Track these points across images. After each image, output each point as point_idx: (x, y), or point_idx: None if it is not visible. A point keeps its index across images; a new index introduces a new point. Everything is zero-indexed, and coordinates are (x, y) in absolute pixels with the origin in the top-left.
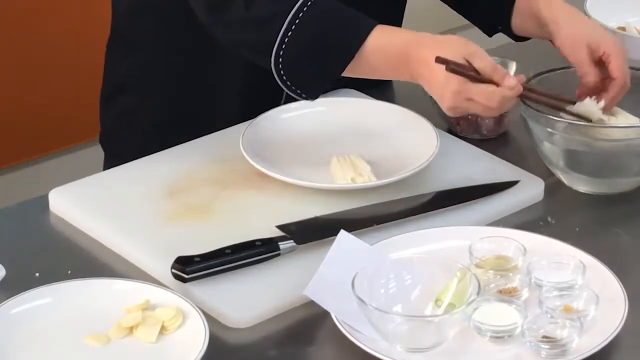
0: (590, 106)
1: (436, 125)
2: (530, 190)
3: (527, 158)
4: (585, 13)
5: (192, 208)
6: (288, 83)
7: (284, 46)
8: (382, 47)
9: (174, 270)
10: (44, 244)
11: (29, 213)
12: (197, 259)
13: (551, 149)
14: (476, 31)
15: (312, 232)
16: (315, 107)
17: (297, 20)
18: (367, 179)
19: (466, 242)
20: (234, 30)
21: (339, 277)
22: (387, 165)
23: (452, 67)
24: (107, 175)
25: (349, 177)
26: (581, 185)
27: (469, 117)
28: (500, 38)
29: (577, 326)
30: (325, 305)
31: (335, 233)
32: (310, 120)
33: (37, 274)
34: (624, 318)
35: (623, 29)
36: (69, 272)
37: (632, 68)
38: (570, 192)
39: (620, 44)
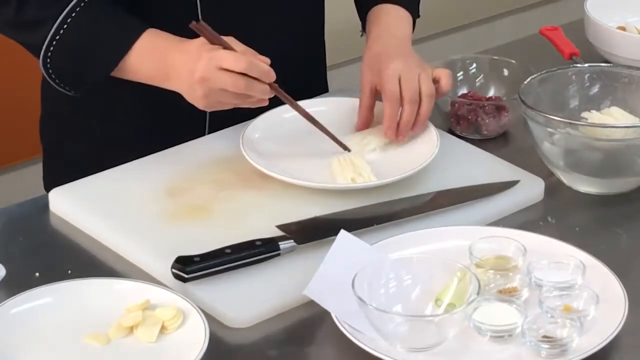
0: (362, 137)
1: (436, 125)
2: (530, 190)
3: (527, 158)
4: (586, 13)
5: (192, 208)
6: (57, 81)
7: (52, 48)
8: (142, 64)
9: (174, 270)
10: (44, 244)
11: (29, 213)
12: (197, 259)
13: (551, 149)
14: (475, 31)
15: (312, 232)
16: (315, 107)
17: (65, 26)
18: (367, 179)
19: (466, 242)
20: (7, 32)
21: (339, 277)
22: (387, 165)
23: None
24: (107, 175)
25: (349, 177)
26: (581, 185)
27: (469, 117)
28: (501, 38)
29: (577, 326)
30: (325, 305)
31: (335, 233)
32: None
33: (37, 274)
34: (624, 318)
35: (623, 28)
36: (69, 272)
37: (632, 68)
38: (570, 192)
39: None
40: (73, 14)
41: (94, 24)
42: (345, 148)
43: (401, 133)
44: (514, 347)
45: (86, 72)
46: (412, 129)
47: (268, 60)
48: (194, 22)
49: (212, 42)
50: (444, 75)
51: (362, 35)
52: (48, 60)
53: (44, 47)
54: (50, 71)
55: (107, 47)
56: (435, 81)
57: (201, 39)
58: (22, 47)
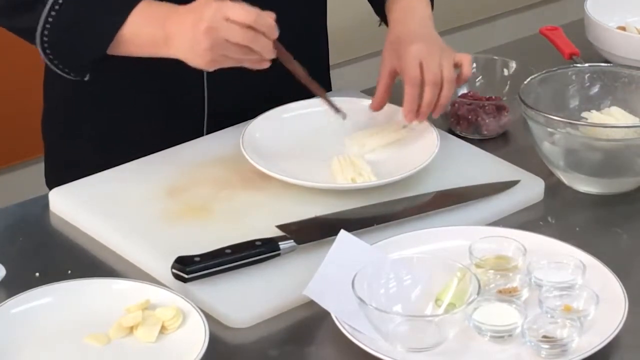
0: (362, 138)
1: (436, 125)
2: (530, 190)
3: (527, 158)
4: (586, 13)
5: (192, 208)
6: (55, 62)
7: (48, 26)
8: (140, 32)
9: (174, 270)
10: (44, 244)
11: (29, 213)
12: (197, 259)
13: (551, 149)
14: (475, 31)
15: (312, 232)
16: (316, 107)
17: (60, 1)
18: (367, 178)
19: (466, 242)
20: (2, 16)
21: (339, 277)
22: (387, 165)
23: None
24: (107, 175)
25: (349, 177)
26: (581, 185)
27: (469, 117)
28: (501, 38)
29: (577, 326)
30: (325, 305)
31: (335, 233)
32: (310, 120)
33: (37, 274)
34: (624, 318)
35: (623, 28)
36: (69, 272)
37: (632, 68)
38: (570, 192)
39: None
40: None
41: None
42: (340, 112)
43: (422, 115)
44: (514, 347)
45: (84, 48)
46: (433, 113)
47: (273, 15)
48: None
49: None
50: (466, 61)
51: (380, 25)
52: (45, 39)
53: (40, 27)
54: (48, 51)
55: (102, 19)
56: (457, 66)
57: None
58: (17, 35)
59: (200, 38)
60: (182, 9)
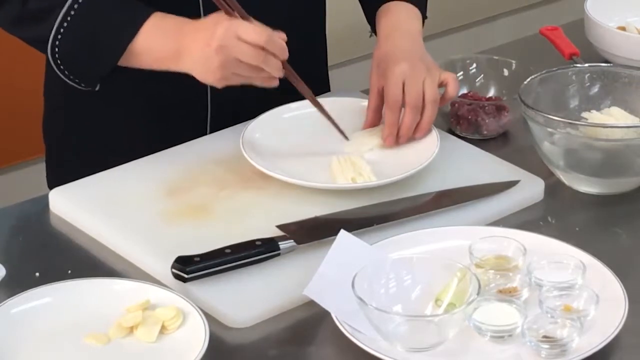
0: (361, 137)
1: (436, 125)
2: (530, 190)
3: (527, 158)
4: (586, 13)
5: (192, 208)
6: (66, 72)
7: (59, 37)
8: (151, 46)
9: (174, 270)
10: (44, 244)
11: (29, 213)
12: (197, 258)
13: (551, 149)
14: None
15: (312, 232)
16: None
17: (72, 12)
18: (367, 178)
19: (466, 242)
20: (15, 26)
21: (339, 277)
22: (387, 165)
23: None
24: (107, 175)
25: (349, 177)
26: (581, 185)
27: (469, 117)
28: (501, 38)
29: (577, 326)
30: (325, 305)
31: (335, 233)
32: (310, 120)
33: (37, 274)
34: (624, 318)
35: (623, 28)
36: (69, 271)
37: (632, 68)
38: (570, 192)
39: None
40: (79, 0)
41: (100, 9)
42: (345, 137)
43: (401, 138)
44: (514, 347)
45: (95, 60)
46: (414, 135)
47: (284, 36)
48: None
49: (228, 14)
50: (451, 81)
51: (370, 36)
52: (56, 50)
53: (51, 37)
54: (59, 62)
55: (114, 31)
56: (442, 85)
57: (216, 13)
58: (29, 45)
59: (212, 56)
60: (193, 23)
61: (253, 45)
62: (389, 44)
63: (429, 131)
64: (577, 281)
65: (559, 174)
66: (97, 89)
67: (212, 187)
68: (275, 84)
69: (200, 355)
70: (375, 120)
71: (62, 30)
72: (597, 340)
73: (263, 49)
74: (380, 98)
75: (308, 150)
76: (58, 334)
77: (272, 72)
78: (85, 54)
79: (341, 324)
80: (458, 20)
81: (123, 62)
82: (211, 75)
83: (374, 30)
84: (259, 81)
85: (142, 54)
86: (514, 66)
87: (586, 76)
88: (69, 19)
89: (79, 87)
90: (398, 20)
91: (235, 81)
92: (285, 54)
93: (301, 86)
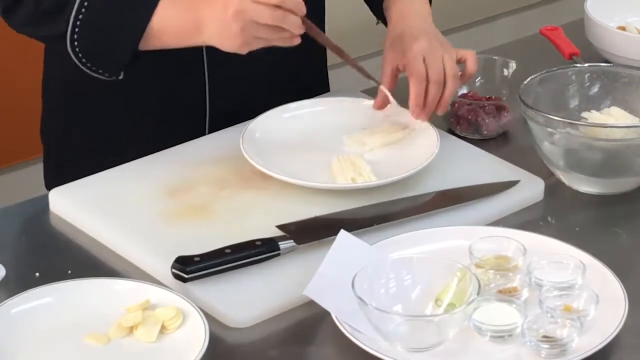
0: (361, 137)
1: (436, 125)
2: (530, 190)
3: (527, 158)
4: (586, 13)
5: (192, 208)
6: (88, 65)
7: (77, 30)
8: (169, 23)
9: (174, 270)
10: (44, 244)
11: (29, 213)
12: (197, 258)
13: (551, 149)
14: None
15: (312, 232)
16: (315, 107)
17: (86, 3)
18: (367, 178)
19: (466, 242)
20: (30, 27)
21: (339, 277)
22: (387, 165)
23: None
24: (107, 175)
25: (349, 177)
26: (581, 185)
27: (469, 117)
28: (501, 38)
29: (577, 326)
30: (325, 305)
31: (335, 233)
32: (310, 120)
33: (37, 274)
34: (624, 318)
35: (623, 28)
36: (69, 271)
37: (632, 68)
38: (570, 192)
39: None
40: None
41: None
42: (377, 82)
43: (428, 109)
44: (514, 347)
45: (115, 47)
46: (435, 110)
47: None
48: None
49: None
50: (470, 57)
51: (377, 23)
52: (75, 44)
53: (69, 31)
54: (80, 55)
55: (130, 15)
56: (460, 62)
57: None
58: (46, 43)
59: (230, 22)
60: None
61: (269, 6)
62: (403, 24)
63: (447, 108)
64: (577, 281)
65: (559, 174)
66: (120, 77)
67: (212, 187)
68: (297, 41)
69: (200, 355)
70: (386, 99)
71: (78, 22)
72: (597, 340)
73: (279, 7)
74: (394, 76)
75: (308, 150)
76: (58, 334)
77: (292, 30)
78: (104, 42)
79: (341, 324)
80: (458, 20)
81: (144, 45)
82: (232, 42)
83: (379, 17)
84: (280, 42)
85: (161, 34)
86: (514, 66)
87: (586, 76)
88: (83, 10)
89: (103, 78)
90: (411, 1)
91: (257, 45)
92: (302, 9)
93: (322, 39)
